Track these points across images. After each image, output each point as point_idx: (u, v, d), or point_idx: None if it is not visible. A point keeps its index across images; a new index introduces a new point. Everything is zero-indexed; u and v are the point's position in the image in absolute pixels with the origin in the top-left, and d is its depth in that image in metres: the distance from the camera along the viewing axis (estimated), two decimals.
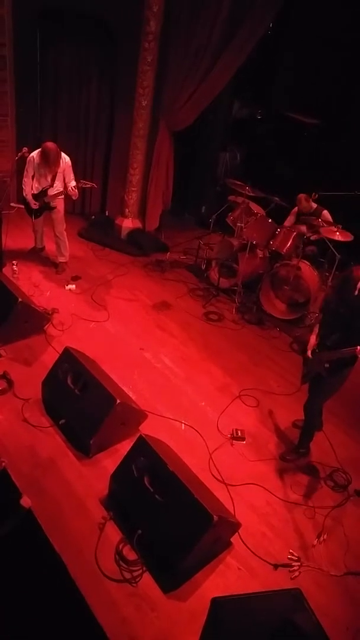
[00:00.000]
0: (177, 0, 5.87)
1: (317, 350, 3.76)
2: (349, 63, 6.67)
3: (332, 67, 6.88)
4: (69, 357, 4.11)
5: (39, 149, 5.44)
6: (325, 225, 5.73)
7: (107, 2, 6.09)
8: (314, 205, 6.03)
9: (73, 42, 6.62)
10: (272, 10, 5.67)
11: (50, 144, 5.38)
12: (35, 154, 5.46)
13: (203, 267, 6.75)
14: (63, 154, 5.47)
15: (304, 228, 5.89)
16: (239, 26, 5.68)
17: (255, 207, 6.36)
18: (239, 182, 6.22)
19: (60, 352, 4.25)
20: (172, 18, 5.98)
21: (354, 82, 6.62)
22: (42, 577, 2.98)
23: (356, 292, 3.40)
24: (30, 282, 5.77)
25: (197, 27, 5.82)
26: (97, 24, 6.31)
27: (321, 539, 3.57)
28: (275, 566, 3.35)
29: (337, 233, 5.56)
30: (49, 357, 4.53)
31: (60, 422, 3.96)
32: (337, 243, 5.74)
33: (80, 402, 3.88)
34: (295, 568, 3.35)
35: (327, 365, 3.64)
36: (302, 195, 6.01)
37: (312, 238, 5.92)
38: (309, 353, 3.79)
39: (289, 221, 6.21)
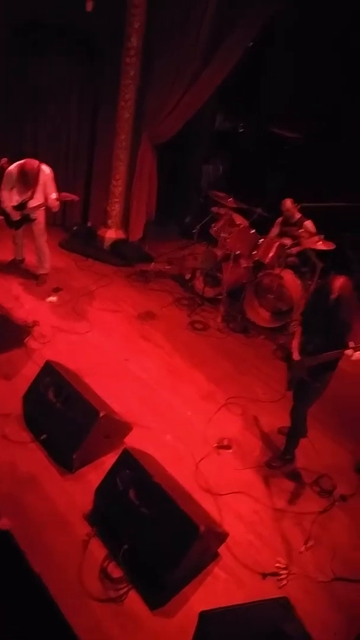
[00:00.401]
0: (159, 17, 5.90)
1: (300, 356, 3.77)
2: (330, 79, 6.80)
3: (314, 83, 7.01)
4: (50, 371, 4.07)
5: (19, 162, 5.38)
6: (307, 236, 5.78)
7: (89, 16, 6.12)
8: (298, 215, 6.07)
9: (54, 54, 6.63)
10: (255, 26, 5.75)
11: (29, 164, 5.27)
12: (14, 167, 5.38)
13: (188, 276, 6.76)
14: (43, 166, 5.42)
15: (286, 241, 5.91)
16: (220, 43, 5.74)
17: (238, 218, 6.39)
18: (221, 194, 6.26)
19: (41, 366, 4.19)
20: (155, 33, 6.02)
21: (336, 97, 6.75)
22: (23, 600, 2.90)
23: (333, 298, 3.44)
24: (10, 295, 5.71)
25: (179, 42, 5.86)
26: (79, 37, 6.33)
27: (308, 545, 3.55)
28: (264, 575, 3.32)
29: (319, 242, 5.61)
30: (30, 371, 4.46)
31: (41, 437, 3.90)
32: (319, 252, 5.79)
33: (63, 416, 3.83)
34: (283, 576, 3.32)
35: (310, 370, 3.65)
36: (288, 200, 6.02)
37: (293, 251, 5.94)
38: (295, 357, 3.80)
39: (274, 232, 6.24)
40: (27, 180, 5.30)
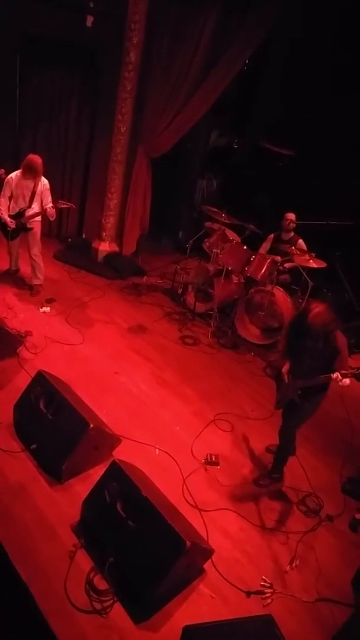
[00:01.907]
0: (157, 33, 6.06)
1: (290, 377, 3.80)
2: (323, 97, 6.94)
3: (307, 101, 7.15)
4: (41, 381, 4.07)
5: (18, 170, 5.47)
6: (298, 253, 5.88)
7: (88, 31, 6.24)
8: (291, 234, 6.18)
9: (54, 68, 6.74)
10: (251, 46, 5.89)
11: (35, 156, 5.44)
12: (14, 175, 5.49)
13: (179, 291, 6.81)
14: (42, 177, 5.51)
15: (278, 258, 6.00)
16: (217, 60, 5.89)
17: (231, 234, 6.48)
18: (215, 209, 6.34)
19: (33, 376, 4.20)
20: (153, 49, 6.16)
21: (327, 115, 6.88)
22: (9, 608, 2.89)
23: (314, 328, 3.45)
24: (4, 304, 5.72)
25: (177, 58, 6.02)
26: (78, 52, 6.44)
27: (293, 565, 3.56)
28: (248, 593, 3.32)
29: (311, 261, 5.72)
30: (22, 381, 4.46)
31: (31, 447, 3.89)
32: (310, 270, 5.88)
33: (53, 427, 3.83)
34: (267, 595, 3.33)
35: (299, 392, 3.70)
36: (292, 213, 6.11)
37: (285, 266, 6.04)
38: (284, 378, 3.84)
39: (264, 248, 6.33)
40: (33, 170, 5.38)
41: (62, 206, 5.63)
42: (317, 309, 3.47)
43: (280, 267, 5.97)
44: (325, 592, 3.42)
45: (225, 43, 5.78)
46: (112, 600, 3.08)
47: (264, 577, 3.43)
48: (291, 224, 6.10)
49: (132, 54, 6.19)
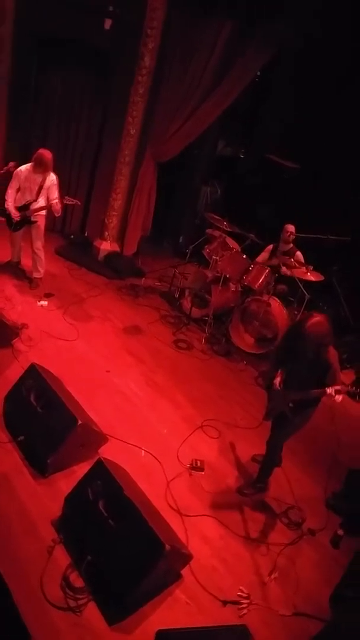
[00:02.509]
0: (173, 39, 6.10)
1: (282, 389, 3.80)
2: (328, 113, 7.00)
3: (313, 116, 7.20)
4: (34, 374, 4.06)
5: (29, 164, 5.51)
6: (297, 265, 5.90)
7: (105, 34, 6.28)
8: (290, 245, 6.20)
9: (68, 68, 6.79)
10: (260, 60, 5.95)
11: (46, 150, 5.50)
12: (23, 168, 5.53)
13: (176, 295, 6.83)
14: (51, 172, 5.55)
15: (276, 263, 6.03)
16: (228, 72, 5.94)
17: (232, 242, 6.50)
18: (217, 217, 6.37)
19: (26, 368, 4.18)
20: (167, 55, 6.20)
21: (332, 131, 6.93)
22: None
23: (309, 340, 3.45)
24: (2, 295, 5.72)
25: (190, 64, 6.06)
26: (93, 54, 6.47)
27: (272, 576, 3.54)
28: (224, 602, 3.30)
29: (308, 274, 5.75)
30: (14, 372, 4.45)
31: (18, 439, 3.87)
32: (307, 283, 5.91)
33: (42, 420, 3.82)
34: (244, 605, 3.31)
35: (291, 404, 3.69)
36: (292, 225, 6.13)
37: (282, 273, 6.05)
38: (274, 388, 3.83)
39: (262, 257, 6.34)
40: (42, 164, 5.44)
41: (68, 202, 5.66)
42: (317, 317, 3.48)
43: (277, 274, 5.98)
44: (302, 607, 3.40)
45: (240, 51, 5.82)
46: (87, 599, 3.06)
47: (241, 587, 3.40)
48: (290, 235, 6.13)
49: (147, 58, 6.24)
